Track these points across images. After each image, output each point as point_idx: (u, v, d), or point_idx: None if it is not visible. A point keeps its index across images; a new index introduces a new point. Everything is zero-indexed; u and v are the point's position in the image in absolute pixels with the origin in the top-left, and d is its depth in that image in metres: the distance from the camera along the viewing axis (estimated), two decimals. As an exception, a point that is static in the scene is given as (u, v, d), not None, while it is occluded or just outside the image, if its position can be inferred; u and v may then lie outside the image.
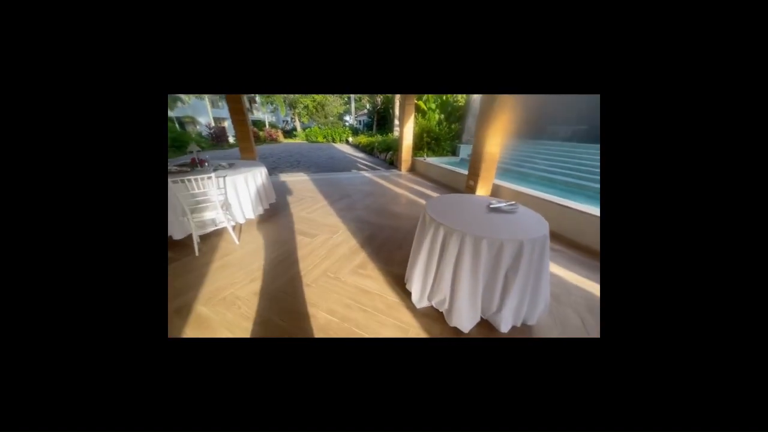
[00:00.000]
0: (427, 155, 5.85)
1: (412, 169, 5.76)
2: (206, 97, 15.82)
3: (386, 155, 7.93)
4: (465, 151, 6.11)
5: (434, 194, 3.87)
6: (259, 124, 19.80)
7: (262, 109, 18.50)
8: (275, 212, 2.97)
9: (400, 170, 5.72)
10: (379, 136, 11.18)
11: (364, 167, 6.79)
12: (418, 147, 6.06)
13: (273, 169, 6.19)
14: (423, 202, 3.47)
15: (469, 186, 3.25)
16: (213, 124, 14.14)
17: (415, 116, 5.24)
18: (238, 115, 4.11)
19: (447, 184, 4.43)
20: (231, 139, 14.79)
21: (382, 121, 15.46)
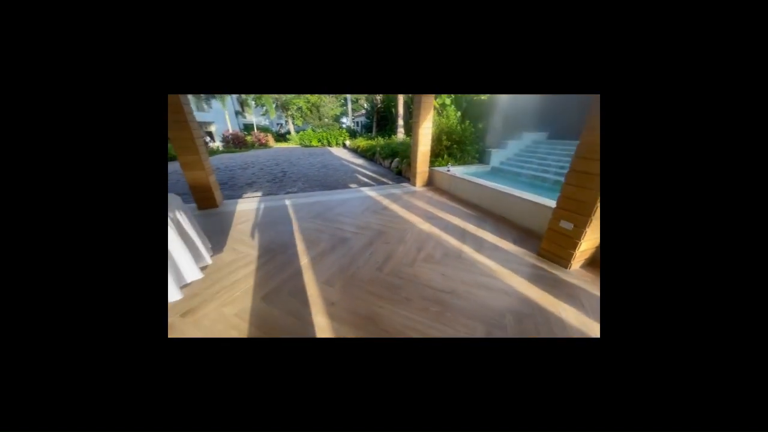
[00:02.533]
0: (451, 164, 4.44)
1: (430, 183, 4.35)
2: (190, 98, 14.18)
3: (391, 162, 6.53)
4: (497, 158, 4.69)
5: (488, 237, 2.44)
6: (250, 127, 18.35)
7: (248, 111, 17.05)
8: (193, 305, 1.53)
9: (414, 185, 4.31)
10: (380, 139, 9.76)
11: (366, 180, 5.37)
12: (435, 153, 4.65)
13: (248, 186, 4.77)
14: (479, 257, 2.04)
15: (558, 231, 1.83)
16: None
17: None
18: (176, 113, 2.68)
19: (488, 210, 3.02)
20: (217, 144, 13.27)
21: (382, 121, 14.03)
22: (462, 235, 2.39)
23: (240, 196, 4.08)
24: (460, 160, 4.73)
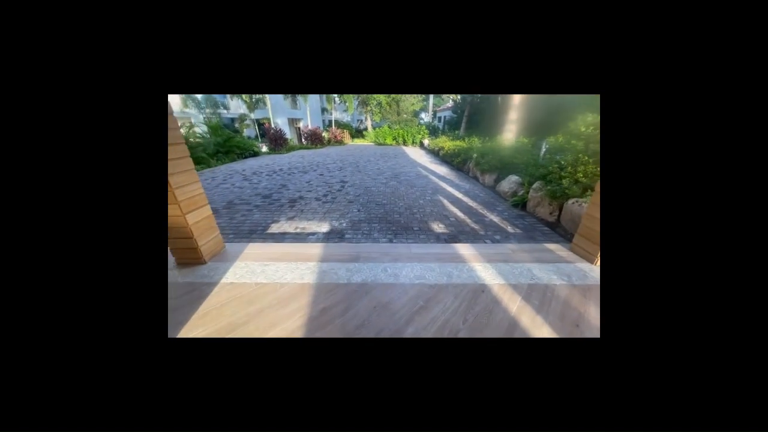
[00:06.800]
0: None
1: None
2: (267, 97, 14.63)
3: (497, 180, 4.02)
4: None
5: None
6: (339, 125, 18.56)
7: (328, 107, 17.17)
8: None
9: (596, 258, 1.84)
10: (476, 139, 7.15)
11: (461, 213, 3.18)
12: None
13: (289, 207, 3.43)
14: None
15: None
16: (272, 124, 12.95)
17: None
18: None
19: None
20: (302, 140, 13.56)
21: (475, 115, 11.03)
22: None
23: (268, 225, 2.69)
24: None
